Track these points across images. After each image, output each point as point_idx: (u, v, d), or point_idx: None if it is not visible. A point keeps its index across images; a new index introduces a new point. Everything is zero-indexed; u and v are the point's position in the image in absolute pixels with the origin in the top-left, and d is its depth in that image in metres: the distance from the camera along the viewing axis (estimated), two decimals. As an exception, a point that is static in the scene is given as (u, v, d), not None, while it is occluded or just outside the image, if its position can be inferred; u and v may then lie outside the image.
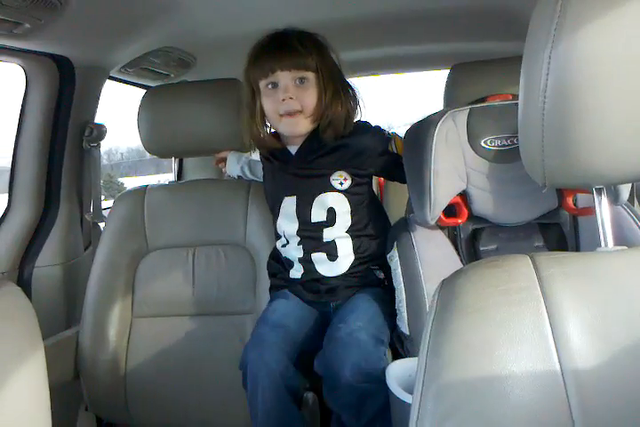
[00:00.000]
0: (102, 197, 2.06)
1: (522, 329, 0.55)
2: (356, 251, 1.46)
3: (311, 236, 1.46)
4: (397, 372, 1.03)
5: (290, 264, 1.51)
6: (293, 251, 1.49)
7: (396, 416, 1.04)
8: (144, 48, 1.84)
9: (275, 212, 1.54)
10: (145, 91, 1.78)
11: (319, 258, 1.46)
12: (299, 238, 1.48)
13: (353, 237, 1.46)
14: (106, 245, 1.67)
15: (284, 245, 1.52)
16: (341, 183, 1.44)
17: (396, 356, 1.34)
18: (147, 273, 1.65)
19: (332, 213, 1.45)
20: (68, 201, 1.87)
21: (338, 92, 1.41)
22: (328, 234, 1.45)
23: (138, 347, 1.61)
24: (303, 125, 1.41)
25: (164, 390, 1.58)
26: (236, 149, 1.74)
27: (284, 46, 1.38)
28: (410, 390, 0.95)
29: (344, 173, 1.44)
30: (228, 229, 1.65)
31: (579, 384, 0.53)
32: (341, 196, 1.44)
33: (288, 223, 1.49)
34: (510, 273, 0.59)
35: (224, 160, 1.78)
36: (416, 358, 1.10)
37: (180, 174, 2.73)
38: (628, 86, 0.56)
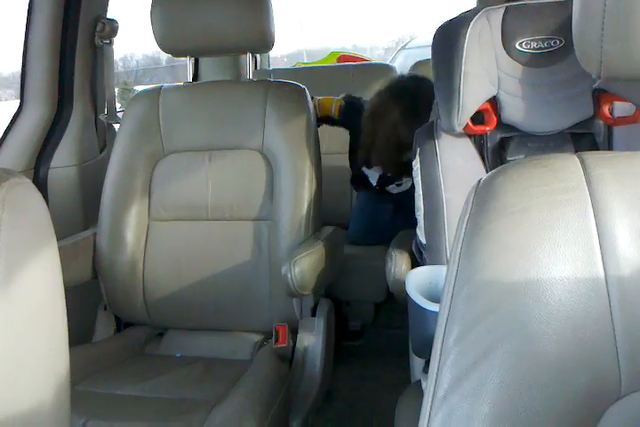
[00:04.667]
0: (118, 105, 2.00)
1: (566, 231, 0.51)
2: None
3: None
4: (417, 280, 1.01)
5: None
6: None
7: (414, 323, 1.04)
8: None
9: None
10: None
11: None
12: None
13: None
14: (121, 146, 1.64)
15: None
16: None
17: (416, 266, 1.33)
18: (163, 176, 1.63)
19: None
20: (81, 100, 1.81)
21: None
22: None
23: (155, 250, 1.62)
24: None
25: (182, 293, 1.60)
26: (255, 49, 1.66)
27: None
28: (430, 298, 0.94)
29: None
30: (245, 133, 1.60)
31: (623, 292, 0.50)
32: None
33: None
34: (556, 172, 0.54)
35: None
36: (435, 266, 1.09)
37: (195, 77, 2.64)
38: None
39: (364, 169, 2.09)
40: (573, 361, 0.49)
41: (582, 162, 0.55)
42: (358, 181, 2.19)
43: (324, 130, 2.21)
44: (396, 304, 1.59)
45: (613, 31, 0.52)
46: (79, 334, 1.61)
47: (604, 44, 0.53)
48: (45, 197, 1.72)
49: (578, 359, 0.49)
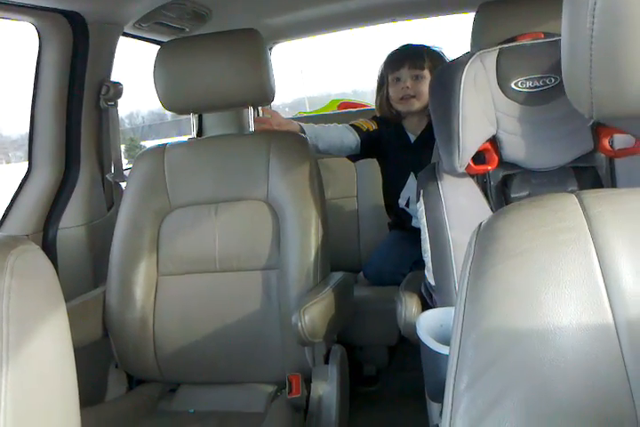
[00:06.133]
0: (126, 161, 2.03)
1: (570, 272, 0.51)
2: None
3: None
4: (428, 322, 1.00)
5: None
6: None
7: (428, 367, 1.02)
8: (157, 1, 1.78)
9: (400, 181, 2.06)
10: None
11: None
12: None
13: None
14: (128, 204, 1.66)
15: (406, 205, 2.06)
16: None
17: (426, 308, 1.32)
18: (170, 231, 1.64)
19: None
20: (88, 161, 1.85)
21: None
22: None
23: (165, 305, 1.61)
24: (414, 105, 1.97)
25: (193, 347, 1.59)
26: (257, 102, 1.70)
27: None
28: (442, 341, 0.93)
29: None
30: (249, 184, 1.62)
31: (632, 330, 0.49)
32: None
33: (413, 192, 1.89)
34: (556, 212, 0.54)
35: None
36: (446, 308, 1.08)
37: (199, 132, 2.68)
38: None
39: (405, 208, 2.09)
40: (587, 405, 0.47)
41: (580, 200, 0.55)
42: (394, 219, 2.19)
43: (329, 175, 2.23)
44: (410, 346, 1.57)
45: (601, 73, 0.53)
46: (91, 393, 1.59)
47: (593, 86, 0.54)
48: (55, 257, 1.73)
49: (591, 403, 0.47)
